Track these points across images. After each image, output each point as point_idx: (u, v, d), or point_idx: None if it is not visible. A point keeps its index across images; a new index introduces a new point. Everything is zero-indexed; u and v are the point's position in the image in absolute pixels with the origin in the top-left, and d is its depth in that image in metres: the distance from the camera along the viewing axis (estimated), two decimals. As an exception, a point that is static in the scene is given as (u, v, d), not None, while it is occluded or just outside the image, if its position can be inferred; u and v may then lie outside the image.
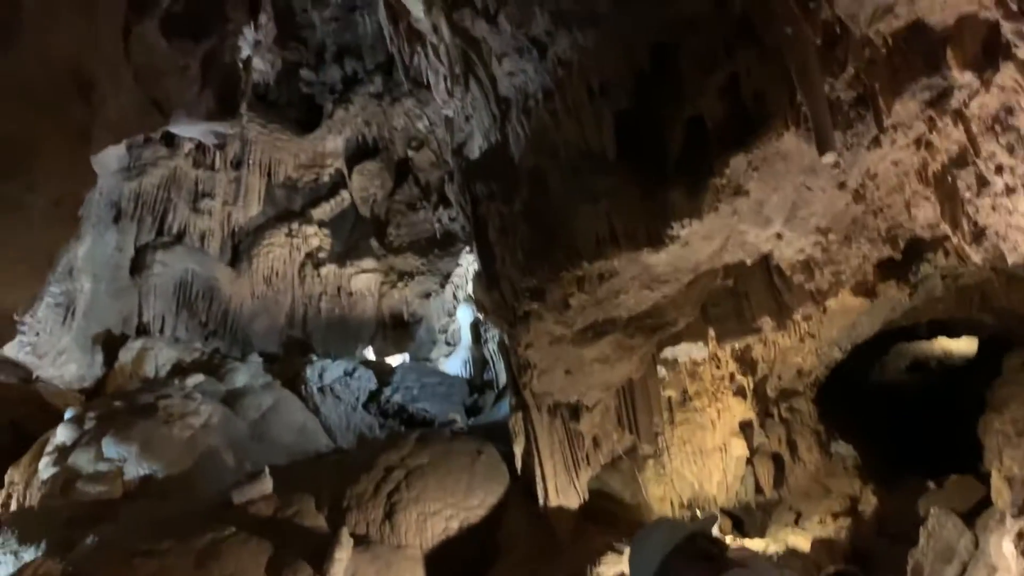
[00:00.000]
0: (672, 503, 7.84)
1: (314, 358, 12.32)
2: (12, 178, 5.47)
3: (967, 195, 4.91)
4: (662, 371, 7.74)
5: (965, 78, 4.33)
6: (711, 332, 7.32)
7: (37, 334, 10.87)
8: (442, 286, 14.45)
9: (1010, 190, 4.67)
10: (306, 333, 14.24)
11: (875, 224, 5.86)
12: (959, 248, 5.42)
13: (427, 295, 14.62)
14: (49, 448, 8.39)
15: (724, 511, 8.04)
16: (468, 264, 13.51)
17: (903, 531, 6.62)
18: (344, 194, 15.02)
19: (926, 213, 5.51)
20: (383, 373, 12.32)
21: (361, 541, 6.08)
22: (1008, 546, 5.03)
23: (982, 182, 4.77)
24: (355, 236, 15.02)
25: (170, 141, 12.80)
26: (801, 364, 8.89)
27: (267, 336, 13.79)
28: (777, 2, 4.24)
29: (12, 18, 5.42)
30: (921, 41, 4.35)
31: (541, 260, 5.87)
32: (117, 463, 8.02)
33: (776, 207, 5.41)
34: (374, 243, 14.83)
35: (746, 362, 8.34)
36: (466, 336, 13.67)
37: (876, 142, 4.84)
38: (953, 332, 10.69)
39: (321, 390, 11.34)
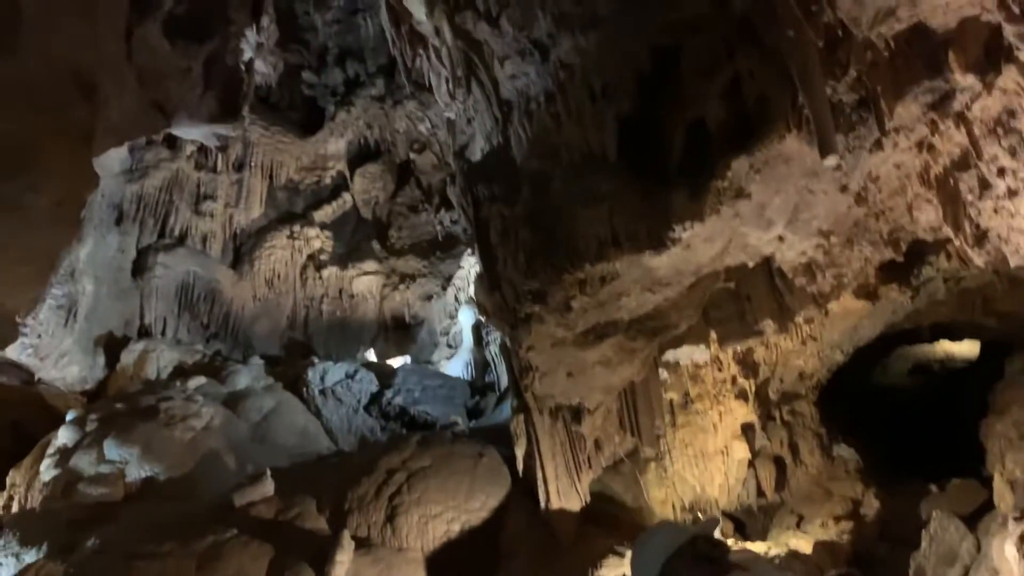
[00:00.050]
0: (674, 506, 7.82)
1: (315, 360, 12.32)
2: (14, 179, 5.48)
3: (969, 198, 4.91)
4: (664, 374, 7.73)
5: (967, 81, 4.33)
6: (713, 335, 7.31)
7: (39, 336, 10.88)
8: (444, 288, 14.45)
9: (1012, 193, 4.66)
10: (307, 335, 14.24)
11: (877, 227, 5.86)
12: (961, 251, 5.42)
13: (429, 297, 14.62)
14: (50, 450, 8.40)
15: (725, 514, 8.03)
16: (470, 266, 13.51)
17: (905, 534, 6.61)
18: (346, 196, 15.03)
19: (928, 216, 5.51)
20: (384, 375, 12.31)
21: (362, 544, 6.07)
22: (1011, 550, 5.02)
23: (984, 185, 4.76)
24: (357, 238, 15.03)
25: (172, 143, 12.82)
26: (803, 367, 8.88)
27: (268, 338, 13.79)
28: (779, 5, 4.24)
29: (14, 20, 5.42)
30: (923, 44, 4.35)
31: (543, 262, 5.87)
32: (119, 465, 8.02)
33: (778, 210, 5.41)
34: (376, 245, 14.84)
35: (748, 365, 8.33)
36: (468, 338, 13.67)
37: (878, 145, 4.84)
38: (955, 335, 10.67)
39: (323, 392, 11.34)
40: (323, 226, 14.64)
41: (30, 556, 6.61)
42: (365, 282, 14.53)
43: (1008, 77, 4.22)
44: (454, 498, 6.64)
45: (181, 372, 11.20)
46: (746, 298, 7.06)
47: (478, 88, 6.31)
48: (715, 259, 5.87)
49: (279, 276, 14.00)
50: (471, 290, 11.69)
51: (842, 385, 10.09)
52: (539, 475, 6.77)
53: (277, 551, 5.67)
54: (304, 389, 11.25)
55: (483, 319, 9.84)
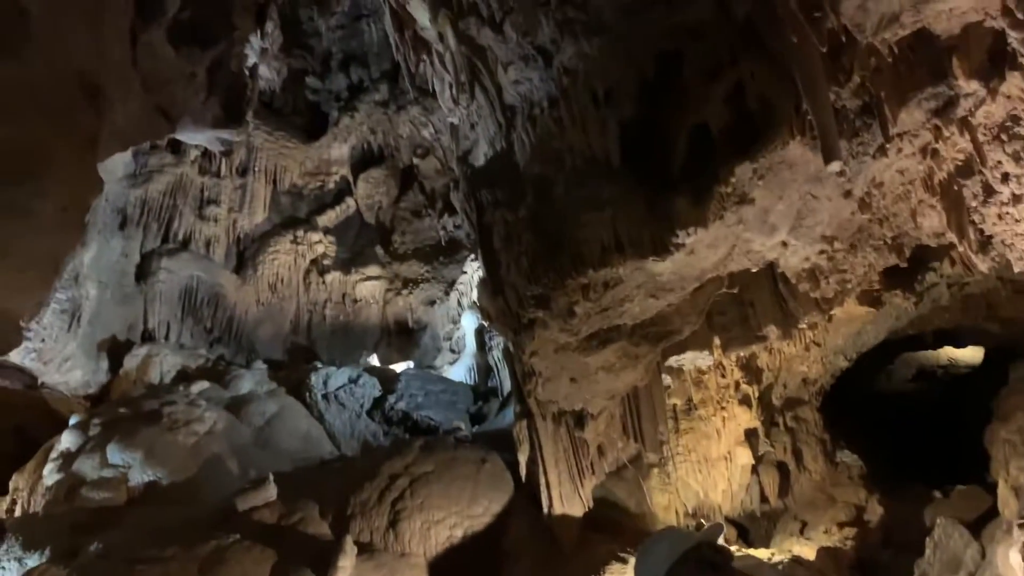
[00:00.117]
0: (677, 512, 7.82)
1: (319, 365, 12.32)
2: (19, 184, 5.49)
3: (973, 204, 4.91)
4: (667, 379, 7.73)
5: (971, 87, 4.33)
6: (716, 340, 7.31)
7: (43, 340, 10.90)
8: (447, 293, 14.46)
9: (1016, 199, 4.66)
10: (311, 340, 14.25)
11: (881, 233, 5.86)
12: (965, 257, 5.41)
13: (432, 302, 14.63)
14: (54, 454, 8.39)
15: (729, 520, 8.02)
16: (473, 271, 13.51)
17: (909, 541, 6.59)
18: (349, 201, 15.05)
19: (932, 222, 5.51)
20: (387, 380, 12.30)
21: (365, 549, 6.07)
22: (1015, 557, 5.00)
23: (988, 191, 4.76)
24: (360, 243, 15.04)
25: (176, 148, 12.85)
26: (806, 373, 8.88)
27: (272, 343, 13.80)
28: (782, 10, 4.24)
29: (20, 25, 5.45)
30: (927, 50, 4.36)
31: (546, 268, 5.87)
32: (121, 469, 8.02)
33: (782, 215, 5.41)
34: (379, 250, 14.85)
35: (751, 370, 8.33)
36: (471, 343, 13.66)
37: (882, 151, 4.84)
38: (959, 341, 10.67)
39: (325, 397, 11.34)
40: (326, 231, 14.65)
41: (33, 560, 6.60)
42: (368, 287, 14.54)
43: (1012, 83, 4.22)
44: (457, 503, 6.64)
45: (184, 377, 11.20)
46: (750, 304, 7.07)
47: (481, 93, 6.32)
48: (718, 264, 5.87)
49: (282, 281, 14.01)
50: (474, 295, 11.66)
51: (846, 391, 10.09)
52: (542, 481, 6.76)
53: (280, 556, 5.67)
54: (307, 394, 11.25)
55: (486, 324, 9.84)
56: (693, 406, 8.05)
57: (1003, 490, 6.36)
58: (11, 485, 8.43)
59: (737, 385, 8.25)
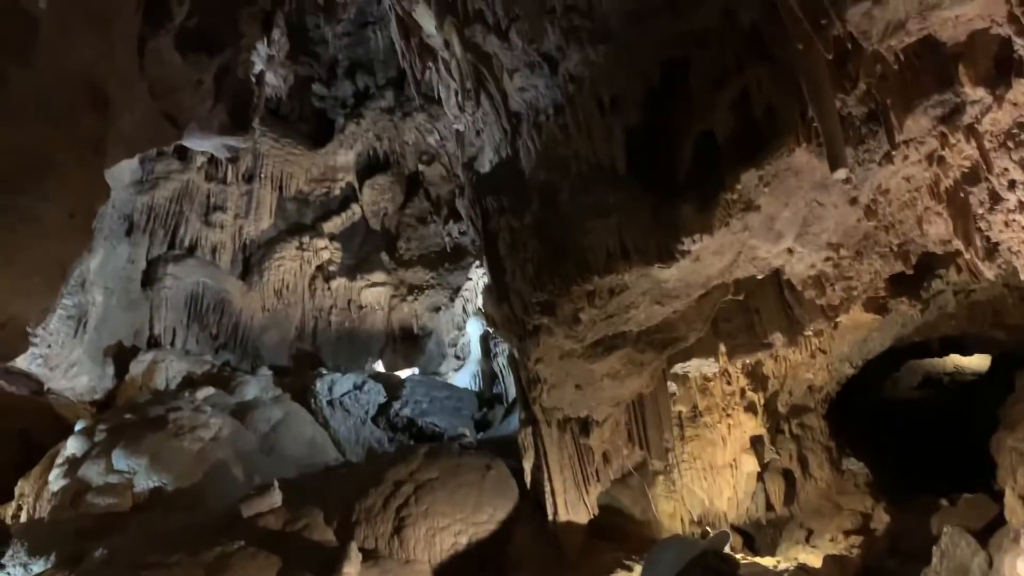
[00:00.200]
0: (682, 519, 7.80)
1: (324, 371, 12.33)
2: (27, 191, 5.52)
3: (980, 211, 4.91)
4: (672, 386, 7.72)
5: (977, 94, 4.33)
6: (722, 347, 7.30)
7: (49, 346, 10.93)
8: (452, 300, 14.47)
9: (1023, 206, 4.65)
10: (316, 346, 14.27)
11: (887, 240, 5.85)
12: (971, 264, 5.40)
13: (437, 309, 14.64)
14: (59, 460, 8.41)
15: (734, 527, 8.00)
16: (478, 278, 13.53)
17: (915, 549, 6.56)
18: (355, 208, 15.08)
19: (938, 229, 5.50)
20: (392, 387, 12.31)
21: (370, 555, 6.06)
22: (1023, 566, 4.98)
23: (995, 198, 4.76)
24: (365, 249, 15.07)
25: (183, 154, 12.89)
26: (812, 380, 8.86)
27: (277, 349, 13.82)
28: (788, 18, 4.25)
29: (29, 34, 5.48)
30: (933, 57, 4.36)
31: (551, 274, 5.87)
32: (127, 475, 8.03)
33: (787, 222, 5.41)
34: (384, 257, 14.87)
35: (757, 377, 8.32)
36: (476, 350, 13.66)
37: (888, 158, 4.84)
38: (965, 349, 10.63)
39: (330, 403, 11.34)
40: (332, 237, 14.69)
41: (38, 566, 6.62)
42: (373, 293, 14.57)
43: (1018, 90, 4.22)
44: (462, 510, 6.63)
45: (190, 382, 11.22)
46: (755, 311, 7.07)
47: (487, 100, 6.33)
48: (724, 271, 5.87)
49: (288, 287, 14.04)
50: (479, 301, 11.69)
51: (851, 398, 10.06)
52: (547, 488, 6.75)
53: (284, 562, 5.66)
54: (312, 400, 11.26)
55: (491, 331, 9.84)
56: (698, 413, 8.03)
57: (1010, 498, 6.33)
58: (17, 490, 8.45)
59: (743, 392, 8.24)
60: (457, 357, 14.34)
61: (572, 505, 6.73)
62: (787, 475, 8.47)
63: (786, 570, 6.71)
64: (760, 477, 8.26)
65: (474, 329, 13.63)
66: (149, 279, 12.50)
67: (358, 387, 11.79)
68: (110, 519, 7.33)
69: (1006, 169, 4.58)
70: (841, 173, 4.42)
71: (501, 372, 12.63)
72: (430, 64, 7.02)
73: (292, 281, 14.09)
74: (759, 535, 8.20)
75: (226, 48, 10.35)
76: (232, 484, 8.23)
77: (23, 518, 8.09)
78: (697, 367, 7.66)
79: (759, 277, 6.26)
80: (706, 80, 5.15)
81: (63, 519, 7.54)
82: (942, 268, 6.72)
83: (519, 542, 6.65)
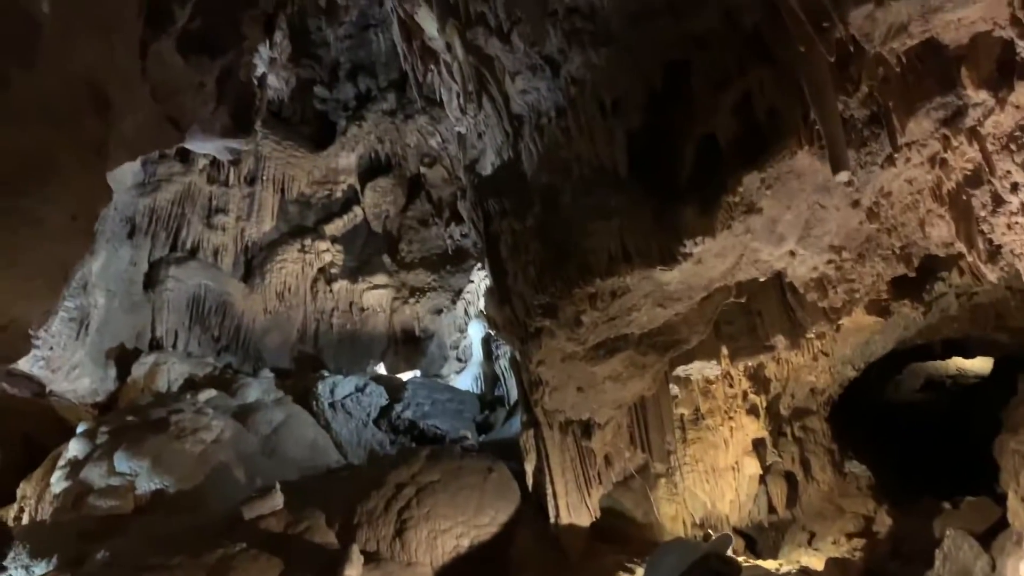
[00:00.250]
0: (684, 522, 7.79)
1: (325, 374, 12.34)
2: (29, 193, 5.51)
3: (982, 214, 4.90)
4: (674, 389, 7.72)
5: (980, 96, 4.33)
6: (724, 350, 7.30)
7: (51, 348, 10.95)
8: (454, 302, 14.47)
9: (1026, 208, 4.65)
10: (318, 349, 14.28)
11: (889, 242, 5.85)
12: (974, 267, 5.40)
13: (439, 311, 14.65)
14: (61, 462, 8.42)
15: (736, 530, 7.99)
16: (480, 280, 13.54)
17: (918, 552, 6.55)
18: (357, 210, 15.10)
19: (940, 231, 5.49)
20: (394, 389, 12.31)
21: (371, 558, 6.05)
22: (1026, 569, 4.97)
23: (997, 201, 4.75)
24: (367, 252, 15.08)
25: (185, 157, 12.92)
26: (814, 382, 8.85)
27: (279, 351, 13.83)
28: (790, 20, 4.24)
29: (32, 36, 5.48)
30: (935, 59, 4.36)
31: (553, 277, 5.87)
32: (129, 478, 8.04)
33: (789, 225, 5.41)
34: (386, 259, 14.89)
35: (759, 380, 8.31)
36: (477, 352, 13.67)
37: (890, 160, 4.84)
38: (968, 351, 10.62)
39: (332, 406, 11.35)
40: (334, 239, 14.71)
41: (40, 568, 6.62)
42: (375, 295, 14.58)
43: (1021, 93, 4.21)
44: (463, 513, 6.62)
45: (192, 385, 11.24)
46: (757, 313, 7.06)
47: (489, 103, 6.34)
48: (726, 274, 5.86)
49: (290, 289, 14.06)
50: (481, 304, 11.70)
51: (854, 401, 10.05)
52: (549, 490, 6.74)
53: (286, 564, 5.66)
54: (314, 402, 11.26)
55: (493, 333, 9.84)
56: (700, 416, 8.02)
57: (1013, 501, 6.32)
58: (19, 493, 8.45)
59: (745, 395, 8.23)
60: (459, 359, 14.34)
61: (574, 508, 6.72)
62: (789, 478, 8.46)
63: (788, 573, 6.71)
64: (762, 480, 8.25)
65: (476, 331, 13.63)
66: (151, 281, 12.52)
67: (360, 389, 11.80)
68: (112, 521, 7.33)
69: (1008, 172, 4.57)
70: (843, 176, 4.42)
71: (503, 374, 12.63)
72: (432, 66, 7.03)
73: (294, 283, 14.10)
74: (761, 538, 8.19)
75: (228, 51, 10.35)
76: (234, 486, 8.23)
77: (25, 520, 8.09)
78: (699, 369, 7.65)
79: (761, 279, 6.25)
80: (708, 82, 5.15)
81: (65, 521, 7.55)
82: (944, 271, 6.71)
83: (521, 545, 6.64)
